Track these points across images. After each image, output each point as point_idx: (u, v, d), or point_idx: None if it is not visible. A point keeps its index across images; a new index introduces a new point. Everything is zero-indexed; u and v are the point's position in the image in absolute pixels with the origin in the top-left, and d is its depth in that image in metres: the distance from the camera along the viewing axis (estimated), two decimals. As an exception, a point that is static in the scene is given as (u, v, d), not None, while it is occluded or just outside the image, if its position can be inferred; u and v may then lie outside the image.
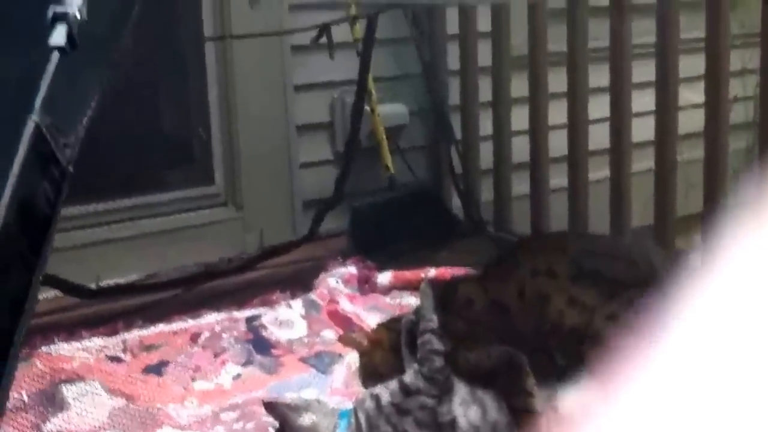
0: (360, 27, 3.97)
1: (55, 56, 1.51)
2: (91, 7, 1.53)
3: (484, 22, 4.26)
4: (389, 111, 4.21)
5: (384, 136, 4.08)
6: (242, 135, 4.01)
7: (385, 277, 3.49)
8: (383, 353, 2.39)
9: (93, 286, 3.46)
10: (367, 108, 4.06)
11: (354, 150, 3.99)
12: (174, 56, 4.03)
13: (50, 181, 1.53)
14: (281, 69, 4.07)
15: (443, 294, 2.36)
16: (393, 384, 2.24)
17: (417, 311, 2.34)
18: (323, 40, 3.72)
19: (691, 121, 3.83)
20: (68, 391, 2.69)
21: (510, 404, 2.21)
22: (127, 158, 3.85)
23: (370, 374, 2.41)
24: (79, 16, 1.51)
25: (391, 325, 2.45)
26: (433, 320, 2.27)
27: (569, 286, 2.22)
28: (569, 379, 2.24)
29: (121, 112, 3.65)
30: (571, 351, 2.21)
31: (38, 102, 1.48)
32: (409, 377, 2.23)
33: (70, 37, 1.50)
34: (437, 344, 2.24)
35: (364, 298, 3.39)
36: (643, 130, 3.88)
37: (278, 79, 4.06)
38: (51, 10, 1.51)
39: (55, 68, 1.50)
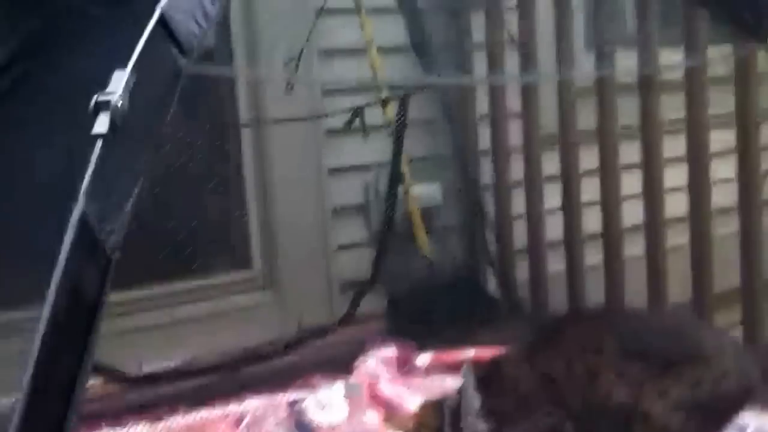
0: (392, 108, 4.01)
1: (99, 144, 1.55)
2: (133, 93, 1.58)
3: (513, 101, 4.30)
4: (423, 191, 4.24)
5: (419, 220, 4.12)
6: (279, 218, 4.06)
7: (423, 359, 3.50)
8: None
9: (135, 373, 3.48)
10: (400, 190, 4.10)
11: (389, 231, 4.01)
12: (211, 142, 4.08)
13: (96, 268, 1.56)
14: (316, 152, 4.13)
15: (487, 374, 2.37)
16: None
17: (460, 392, 2.36)
18: (356, 123, 3.77)
19: (724, 195, 3.84)
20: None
21: None
22: (165, 244, 3.88)
23: None
24: (121, 104, 1.55)
25: (435, 405, 2.46)
26: (476, 401, 2.29)
27: (617, 362, 2.22)
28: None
29: (161, 199, 3.71)
30: (620, 428, 2.21)
31: (83, 190, 1.52)
32: (455, 461, 2.25)
33: (113, 124, 1.55)
34: (480, 426, 2.26)
35: (404, 380, 3.39)
36: (677, 205, 3.89)
37: (313, 162, 4.11)
38: (94, 99, 1.55)
39: (99, 156, 1.55)
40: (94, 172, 1.54)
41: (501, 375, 2.35)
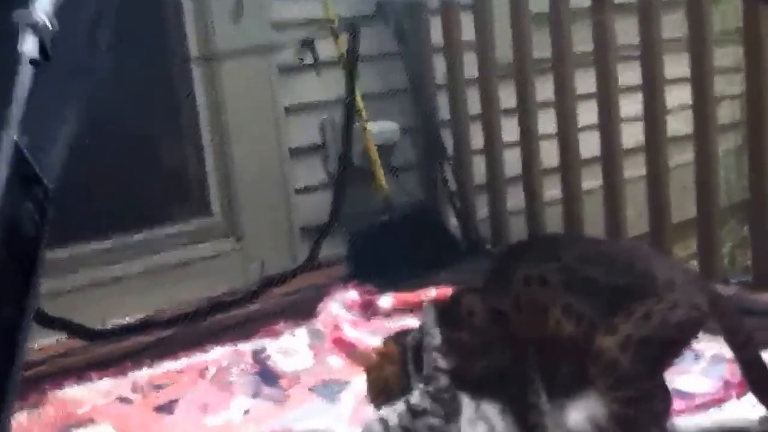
0: (344, 40, 3.99)
1: (28, 69, 1.46)
2: (62, 15, 1.48)
3: (468, 32, 4.28)
4: (380, 129, 4.23)
5: (377, 156, 4.10)
6: (237, 163, 4.04)
7: (386, 301, 3.50)
8: (392, 368, 2.41)
9: (99, 327, 3.47)
10: (356, 126, 4.08)
11: (346, 172, 4.00)
12: (160, 79, 4.01)
13: (34, 202, 1.50)
14: (270, 91, 4.10)
15: (447, 308, 2.37)
16: (400, 406, 2.26)
17: (421, 328, 2.36)
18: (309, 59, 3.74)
19: (682, 123, 3.83)
20: (79, 435, 2.71)
21: (518, 417, 2.23)
22: (121, 195, 3.84)
23: (379, 390, 2.42)
24: (50, 26, 1.46)
25: (398, 339, 2.46)
26: (436, 337, 2.29)
27: (563, 296, 2.23)
28: (574, 393, 2.26)
29: (112, 148, 3.68)
30: (573, 363, 2.22)
31: (14, 119, 1.44)
32: (415, 398, 2.25)
33: (41, 47, 1.45)
34: (441, 362, 2.26)
35: (367, 323, 3.40)
36: (633, 135, 3.89)
37: (268, 101, 4.08)
38: (16, 18, 1.46)
39: (26, 81, 1.46)
40: (26, 99, 1.45)
41: (459, 310, 2.35)
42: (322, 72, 4.06)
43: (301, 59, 3.76)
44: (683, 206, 3.83)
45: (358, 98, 4.04)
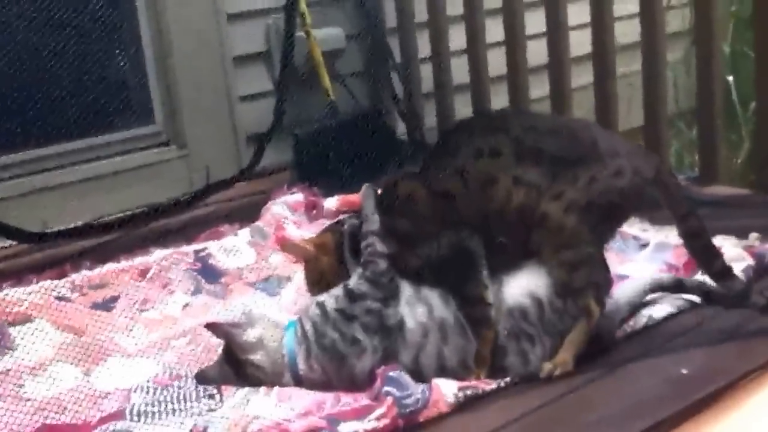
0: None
1: None
2: None
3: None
4: (325, 35, 4.17)
5: (321, 60, 4.04)
6: (178, 69, 3.97)
7: (331, 202, 3.47)
8: (328, 258, 2.38)
9: (38, 230, 3.42)
10: (301, 34, 4.02)
11: (288, 75, 3.93)
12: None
13: None
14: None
15: (383, 195, 2.34)
16: (338, 290, 2.23)
17: (359, 214, 2.32)
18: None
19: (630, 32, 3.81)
20: (16, 332, 2.66)
21: (463, 294, 2.21)
22: (63, 103, 3.79)
23: (316, 280, 2.39)
24: None
25: (334, 228, 2.43)
26: (375, 222, 2.26)
27: (513, 165, 2.21)
28: (511, 269, 2.25)
29: (50, 56, 3.62)
30: (519, 232, 2.21)
31: None
32: (353, 282, 2.22)
33: None
34: (380, 246, 2.23)
35: (311, 224, 3.37)
36: (581, 43, 3.85)
37: (210, 6, 4.00)
38: None
39: None
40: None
41: (398, 196, 2.31)
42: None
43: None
44: (630, 115, 3.83)
45: (302, 2, 3.97)
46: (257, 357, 2.22)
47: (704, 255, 2.25)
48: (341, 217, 2.59)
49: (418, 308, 2.20)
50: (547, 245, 2.18)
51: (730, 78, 4.73)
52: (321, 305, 2.23)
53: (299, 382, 2.19)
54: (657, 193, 2.23)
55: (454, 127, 2.44)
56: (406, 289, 2.23)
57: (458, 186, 2.23)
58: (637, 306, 2.43)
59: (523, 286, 2.22)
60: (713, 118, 3.41)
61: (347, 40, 4.31)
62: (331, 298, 2.23)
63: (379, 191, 2.35)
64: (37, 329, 2.67)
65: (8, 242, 3.42)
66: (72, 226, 3.53)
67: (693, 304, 2.45)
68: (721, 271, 2.24)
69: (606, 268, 2.26)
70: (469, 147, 2.25)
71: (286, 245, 2.57)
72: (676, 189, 2.27)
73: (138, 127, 4.01)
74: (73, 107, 3.80)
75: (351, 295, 2.20)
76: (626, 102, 3.92)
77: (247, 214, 3.47)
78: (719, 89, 3.43)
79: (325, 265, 2.38)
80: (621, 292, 2.41)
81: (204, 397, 2.21)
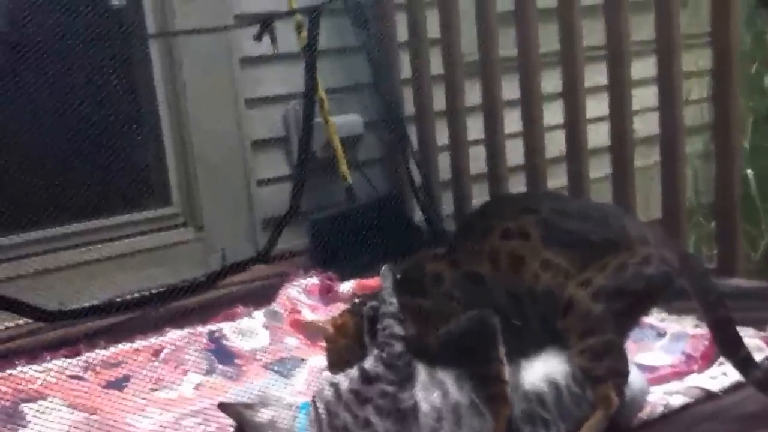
0: (306, 33, 3.94)
1: None
2: None
3: (433, 29, 4.26)
4: (343, 121, 4.20)
5: (339, 145, 4.07)
6: (197, 153, 4.00)
7: (347, 286, 3.47)
8: (348, 339, 2.37)
9: (55, 309, 3.43)
10: (320, 120, 4.05)
11: (307, 159, 3.95)
12: (122, 73, 3.98)
13: None
14: (231, 81, 4.06)
15: (408, 274, 2.33)
16: (353, 371, 2.22)
17: (378, 297, 2.31)
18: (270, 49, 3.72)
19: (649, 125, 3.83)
20: (29, 409, 2.66)
21: (480, 372, 2.20)
22: (82, 183, 3.81)
23: (335, 361, 2.38)
24: None
25: (355, 310, 2.42)
26: (393, 304, 2.25)
27: (542, 248, 2.21)
28: (531, 354, 2.24)
29: (70, 138, 3.65)
30: (542, 316, 2.20)
31: None
32: (369, 364, 2.20)
33: None
34: (397, 329, 2.22)
35: (327, 308, 3.37)
36: (600, 136, 3.87)
37: (229, 92, 4.05)
38: None
39: None
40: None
41: (421, 277, 2.31)
42: (285, 64, 4.03)
43: (259, 37, 3.71)
44: (649, 208, 3.83)
45: (321, 89, 4.01)
46: (269, 438, 2.20)
47: (730, 343, 2.24)
48: (361, 298, 2.58)
49: (433, 392, 2.19)
50: (572, 331, 2.17)
51: (750, 172, 4.73)
52: (335, 386, 2.21)
53: (311, 463, 2.17)
54: (685, 281, 2.23)
55: (483, 207, 2.45)
56: (422, 373, 2.21)
57: (486, 267, 2.24)
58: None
59: (541, 371, 2.21)
60: (733, 209, 3.41)
61: (365, 127, 4.34)
62: (345, 379, 2.22)
63: (403, 270, 2.35)
64: (49, 407, 2.66)
65: (24, 320, 3.41)
66: (88, 305, 3.53)
67: (709, 393, 2.43)
68: (745, 359, 2.23)
69: (626, 356, 2.24)
70: (497, 227, 2.25)
71: (306, 326, 2.58)
72: (704, 277, 2.27)
73: (156, 208, 4.03)
74: (92, 187, 3.82)
75: (366, 377, 2.19)
76: (644, 194, 3.92)
77: (262, 296, 3.47)
78: (738, 182, 3.43)
79: (344, 347, 2.37)
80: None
81: (215, 476, 2.20)
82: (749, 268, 4.12)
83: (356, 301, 2.54)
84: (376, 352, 2.22)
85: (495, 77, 4.06)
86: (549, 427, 2.17)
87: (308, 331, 2.56)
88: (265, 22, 3.71)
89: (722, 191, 3.44)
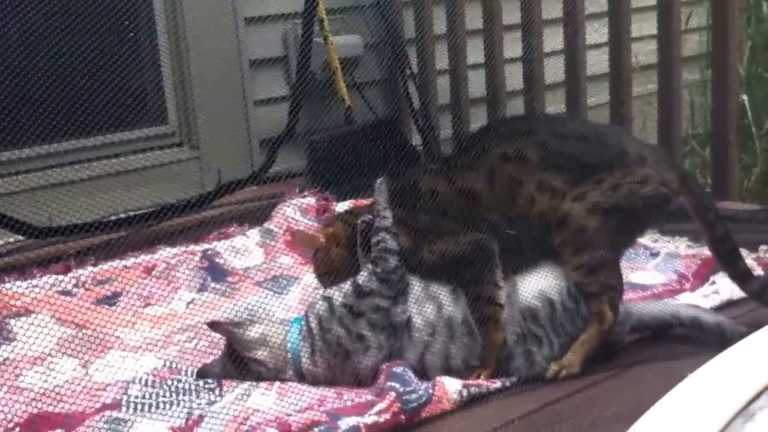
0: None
1: None
2: None
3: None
4: (343, 42, 4.12)
5: (338, 66, 4.00)
6: (194, 71, 3.92)
7: (343, 206, 3.42)
8: (339, 249, 2.33)
9: (45, 225, 3.38)
10: (319, 40, 3.98)
11: (305, 81, 3.88)
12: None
13: None
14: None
15: (403, 189, 2.29)
16: (346, 286, 2.19)
17: (372, 209, 2.27)
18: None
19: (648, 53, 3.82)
20: (16, 324, 2.62)
21: (476, 293, 2.16)
22: (78, 100, 3.75)
23: (326, 271, 2.35)
24: None
25: (346, 218, 2.39)
26: (387, 218, 2.21)
27: (539, 171, 2.17)
28: (526, 271, 2.21)
29: (65, 55, 3.58)
30: (538, 235, 2.17)
31: None
32: (362, 278, 2.17)
33: None
34: (391, 243, 2.18)
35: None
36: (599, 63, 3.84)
37: (228, 9, 3.96)
38: None
39: None
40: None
41: (420, 190, 2.27)
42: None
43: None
44: (645, 132, 3.83)
45: (321, 8, 3.93)
46: (259, 354, 2.18)
47: (729, 258, 2.30)
48: (352, 207, 2.54)
49: (427, 306, 2.15)
50: (567, 246, 2.15)
51: (745, 97, 4.70)
52: (328, 300, 2.18)
53: (302, 378, 2.15)
54: (685, 199, 2.22)
55: (482, 128, 2.41)
56: (415, 287, 2.18)
57: (483, 186, 2.20)
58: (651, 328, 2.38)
59: (534, 287, 2.18)
60: (727, 135, 3.45)
61: (365, 49, 4.27)
62: (339, 293, 2.19)
63: (398, 184, 2.30)
64: (38, 322, 2.62)
65: (14, 237, 3.37)
66: (80, 221, 3.48)
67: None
68: (744, 273, 2.30)
69: (620, 274, 2.22)
70: (496, 149, 2.22)
71: (296, 235, 2.53)
72: (704, 197, 2.29)
73: (151, 126, 3.97)
74: (87, 105, 3.75)
75: (359, 292, 2.16)
76: (641, 120, 3.90)
77: (257, 217, 3.42)
78: (734, 109, 3.48)
79: (335, 256, 2.34)
80: (643, 309, 2.36)
81: (203, 390, 2.17)
82: (742, 196, 4.16)
83: (347, 210, 2.50)
84: (370, 266, 2.19)
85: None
86: (541, 343, 2.15)
87: (298, 239, 2.51)
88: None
89: (718, 117, 3.48)
